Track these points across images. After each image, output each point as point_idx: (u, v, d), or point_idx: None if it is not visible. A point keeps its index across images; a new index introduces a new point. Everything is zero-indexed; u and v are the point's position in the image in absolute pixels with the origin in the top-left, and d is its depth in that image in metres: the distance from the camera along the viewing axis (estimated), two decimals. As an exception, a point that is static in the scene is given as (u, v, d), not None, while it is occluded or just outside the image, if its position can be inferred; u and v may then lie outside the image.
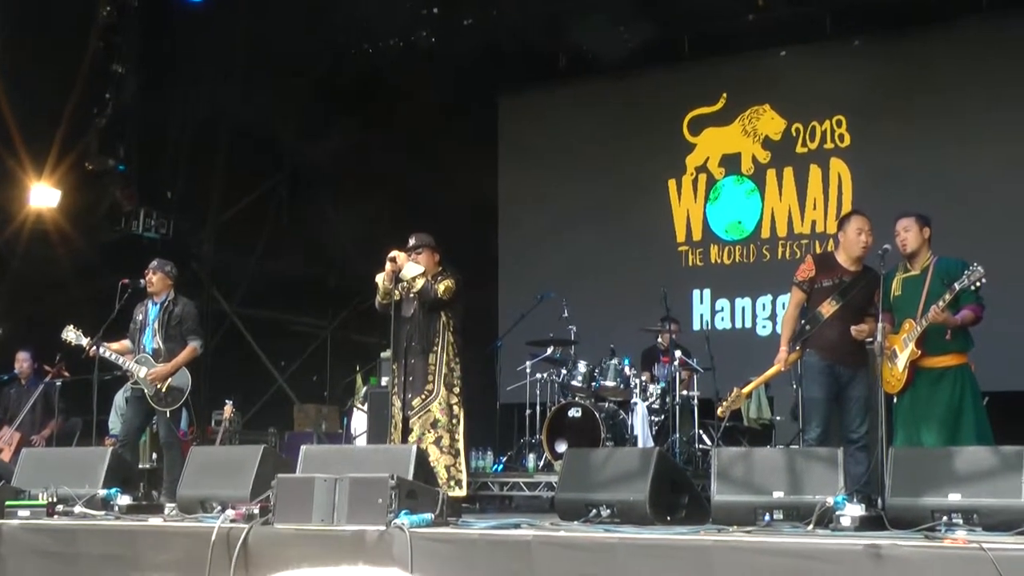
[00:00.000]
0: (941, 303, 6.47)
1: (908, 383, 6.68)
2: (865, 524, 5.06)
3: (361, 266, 12.01)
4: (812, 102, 11.99)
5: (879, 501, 5.37)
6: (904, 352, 6.67)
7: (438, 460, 7.29)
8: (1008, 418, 7.48)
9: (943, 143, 11.33)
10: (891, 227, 6.93)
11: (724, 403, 7.43)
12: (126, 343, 8.67)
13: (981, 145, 11.10)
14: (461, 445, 7.53)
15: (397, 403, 7.53)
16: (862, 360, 7.06)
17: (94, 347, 8.41)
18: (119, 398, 10.46)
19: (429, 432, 7.42)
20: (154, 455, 9.93)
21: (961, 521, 4.97)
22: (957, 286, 6.44)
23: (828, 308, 6.97)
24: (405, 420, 7.47)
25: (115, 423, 10.44)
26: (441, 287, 7.53)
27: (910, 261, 6.87)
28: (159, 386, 8.38)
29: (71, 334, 8.53)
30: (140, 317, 8.66)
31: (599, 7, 11.39)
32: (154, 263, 8.69)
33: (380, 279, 7.57)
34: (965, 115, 11.22)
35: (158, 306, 8.60)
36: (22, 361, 10.47)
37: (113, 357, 8.52)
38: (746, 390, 7.56)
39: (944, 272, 6.64)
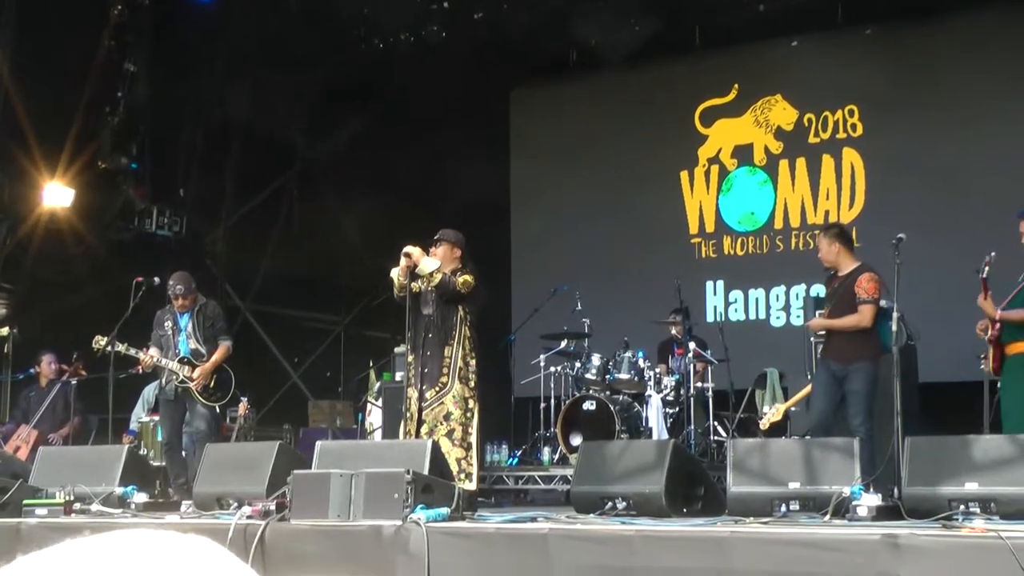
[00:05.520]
0: None
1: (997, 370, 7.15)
2: (882, 514, 5.06)
3: (374, 261, 12.04)
4: (824, 92, 11.93)
5: (895, 491, 5.36)
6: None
7: (449, 452, 7.27)
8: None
9: (956, 132, 11.26)
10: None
11: (766, 418, 8.12)
12: (154, 351, 8.67)
13: (995, 134, 11.04)
14: (474, 439, 7.52)
15: (412, 394, 7.53)
16: (855, 355, 7.24)
17: (144, 349, 8.47)
18: (149, 391, 10.49)
19: (441, 424, 7.42)
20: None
21: (978, 510, 4.96)
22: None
23: (825, 313, 7.63)
24: (419, 411, 7.47)
25: (139, 415, 10.54)
26: (460, 280, 7.52)
27: None
28: (208, 382, 8.47)
29: (119, 347, 8.49)
30: (168, 324, 8.65)
31: (609, -1, 11.38)
32: (179, 288, 8.56)
33: (395, 274, 7.56)
34: (979, 104, 11.16)
35: (189, 312, 8.63)
36: (48, 363, 10.41)
37: (160, 360, 8.54)
38: (784, 406, 8.20)
39: None
